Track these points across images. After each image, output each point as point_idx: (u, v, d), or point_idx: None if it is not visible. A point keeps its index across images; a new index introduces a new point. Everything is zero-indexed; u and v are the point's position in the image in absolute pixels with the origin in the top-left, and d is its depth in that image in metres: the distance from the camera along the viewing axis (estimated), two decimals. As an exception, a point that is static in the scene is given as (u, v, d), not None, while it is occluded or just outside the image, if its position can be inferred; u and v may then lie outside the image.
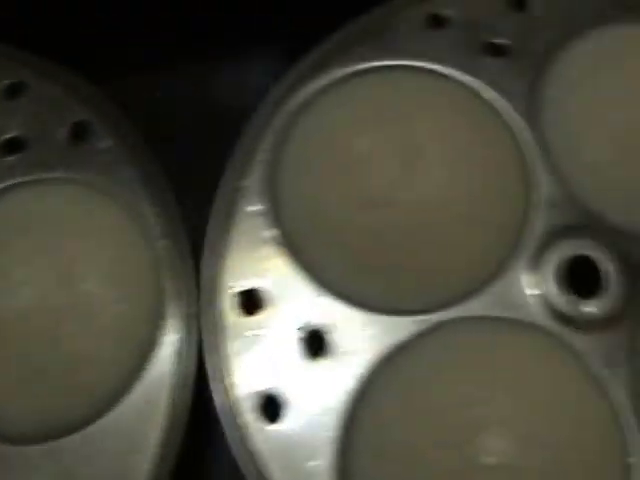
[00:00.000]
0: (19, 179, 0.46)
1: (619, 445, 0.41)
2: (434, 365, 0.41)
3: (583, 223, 0.44)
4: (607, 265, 0.43)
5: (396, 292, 0.43)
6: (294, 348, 0.42)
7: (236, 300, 0.43)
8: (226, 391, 0.42)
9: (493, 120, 0.46)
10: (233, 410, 0.41)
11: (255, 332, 0.42)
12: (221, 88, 0.50)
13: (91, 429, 0.41)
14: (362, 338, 0.42)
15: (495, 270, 0.43)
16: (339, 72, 0.46)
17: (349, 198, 0.43)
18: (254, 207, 0.44)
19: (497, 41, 0.47)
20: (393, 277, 0.43)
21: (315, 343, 0.42)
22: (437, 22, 0.48)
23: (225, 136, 0.45)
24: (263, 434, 0.41)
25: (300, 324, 0.42)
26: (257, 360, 0.42)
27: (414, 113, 0.44)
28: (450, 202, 0.43)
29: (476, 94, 0.46)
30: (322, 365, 0.42)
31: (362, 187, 0.43)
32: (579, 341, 0.42)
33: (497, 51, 0.47)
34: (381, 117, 0.44)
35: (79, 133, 0.46)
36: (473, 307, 0.42)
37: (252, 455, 0.40)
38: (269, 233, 0.43)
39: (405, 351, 0.42)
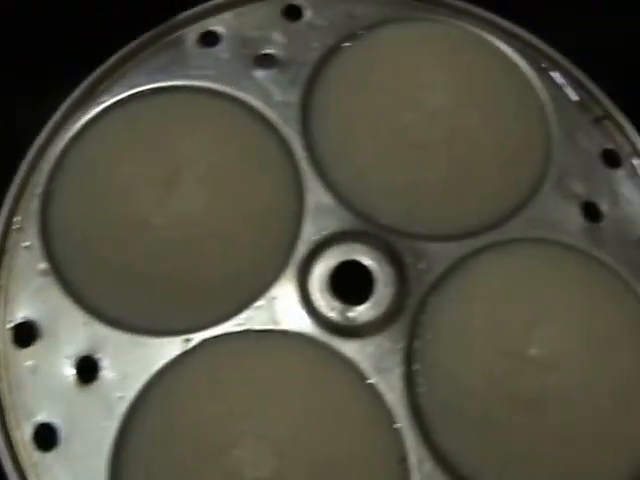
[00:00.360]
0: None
1: (394, 449, 0.41)
2: (198, 382, 0.41)
3: (354, 228, 0.44)
4: (377, 269, 0.43)
5: (163, 313, 0.43)
6: (67, 376, 0.42)
7: (12, 333, 0.43)
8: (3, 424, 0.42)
9: (264, 132, 0.46)
10: (11, 441, 0.42)
11: (30, 363, 0.43)
12: (17, 121, 0.51)
13: None
14: (133, 361, 0.42)
15: (268, 282, 0.43)
16: (108, 99, 0.46)
17: (113, 225, 0.43)
18: (27, 242, 0.44)
19: (268, 52, 0.48)
20: (159, 299, 0.43)
21: (87, 369, 0.42)
22: (210, 39, 0.48)
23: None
24: (42, 461, 0.41)
25: (72, 352, 0.42)
26: (32, 391, 0.42)
27: (181, 134, 0.44)
28: (212, 219, 0.43)
29: (248, 108, 0.46)
30: (95, 390, 0.42)
31: (124, 213, 0.43)
32: (350, 348, 0.42)
33: (269, 62, 0.47)
34: (147, 141, 0.44)
35: None
36: (240, 321, 0.43)
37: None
38: (42, 266, 0.44)
39: (172, 371, 0.42)
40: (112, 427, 0.41)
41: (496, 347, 0.41)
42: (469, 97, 0.45)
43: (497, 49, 0.48)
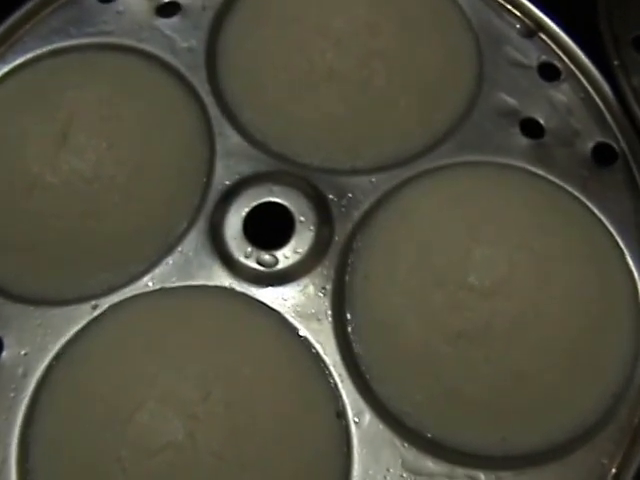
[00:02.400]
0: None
1: (329, 402, 0.37)
2: (104, 349, 0.37)
3: (269, 169, 0.41)
4: (296, 208, 0.40)
5: (67, 280, 0.39)
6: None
7: None
8: None
9: (170, 81, 0.42)
10: None
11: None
12: None
13: None
14: (40, 334, 0.38)
15: (178, 234, 0.40)
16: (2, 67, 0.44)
17: (3, 190, 0.40)
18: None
19: (167, 1, 0.44)
20: (61, 265, 0.39)
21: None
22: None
23: None
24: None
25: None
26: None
27: (76, 90, 0.41)
28: (110, 173, 0.39)
29: (152, 58, 0.43)
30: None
31: (14, 176, 0.39)
32: (272, 297, 0.38)
33: (171, 10, 0.44)
34: (41, 102, 0.41)
35: None
36: (152, 281, 0.39)
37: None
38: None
39: (78, 340, 0.38)
40: (20, 404, 0.37)
41: (431, 279, 0.37)
42: (383, 18, 0.42)
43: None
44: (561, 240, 0.38)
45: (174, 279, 0.39)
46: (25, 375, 0.38)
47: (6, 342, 0.38)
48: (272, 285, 0.39)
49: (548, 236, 0.38)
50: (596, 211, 0.40)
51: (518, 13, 0.44)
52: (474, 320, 0.37)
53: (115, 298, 0.39)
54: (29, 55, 0.44)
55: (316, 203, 0.40)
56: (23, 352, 0.38)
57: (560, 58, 0.43)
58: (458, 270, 0.37)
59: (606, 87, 0.42)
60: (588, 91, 0.43)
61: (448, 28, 0.43)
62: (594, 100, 0.42)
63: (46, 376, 0.38)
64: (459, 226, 0.38)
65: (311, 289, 0.39)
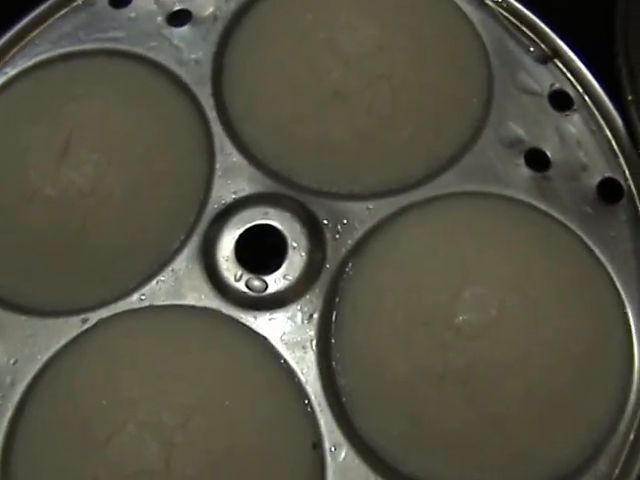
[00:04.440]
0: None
1: (307, 433, 0.37)
2: (90, 365, 0.37)
3: (266, 190, 0.40)
4: (290, 233, 0.39)
5: (59, 292, 0.39)
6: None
7: None
8: None
9: (175, 92, 0.42)
10: None
11: None
12: None
13: None
14: (29, 344, 0.39)
15: (171, 252, 0.39)
16: (12, 70, 0.43)
17: (3, 199, 0.40)
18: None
19: (181, 8, 0.44)
20: (55, 276, 0.40)
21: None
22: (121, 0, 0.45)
23: None
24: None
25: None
26: None
27: (80, 99, 0.41)
28: (107, 187, 0.39)
29: (159, 68, 0.43)
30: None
31: (15, 185, 0.40)
32: (260, 322, 0.38)
33: (181, 20, 0.44)
34: (45, 109, 0.41)
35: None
36: (142, 297, 0.39)
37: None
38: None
39: (66, 354, 0.38)
40: (5, 413, 0.38)
41: (418, 316, 0.37)
42: (393, 39, 0.41)
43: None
44: (556, 283, 0.37)
45: (164, 297, 0.39)
46: (13, 384, 0.38)
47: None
48: (260, 310, 0.39)
49: (543, 278, 0.37)
50: (597, 251, 0.39)
51: (533, 36, 0.43)
52: (458, 362, 0.36)
53: (105, 313, 0.39)
54: (39, 58, 0.44)
55: (310, 228, 0.39)
56: (12, 361, 0.39)
57: (574, 87, 0.42)
58: (446, 309, 0.37)
59: (618, 121, 0.41)
60: (599, 124, 0.41)
61: (459, 50, 0.42)
62: (605, 134, 0.41)
63: (32, 387, 0.38)
64: (451, 261, 0.38)
65: (298, 316, 0.38)
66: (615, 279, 0.39)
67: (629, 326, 0.38)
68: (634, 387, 0.37)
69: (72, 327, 0.39)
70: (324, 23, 0.41)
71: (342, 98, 0.40)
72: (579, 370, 0.36)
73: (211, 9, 0.44)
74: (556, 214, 0.40)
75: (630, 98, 0.40)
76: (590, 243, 0.39)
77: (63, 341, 0.39)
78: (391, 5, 0.42)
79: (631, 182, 0.40)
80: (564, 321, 0.37)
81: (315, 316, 0.38)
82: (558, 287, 0.37)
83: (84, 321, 0.39)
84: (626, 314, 0.38)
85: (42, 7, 0.44)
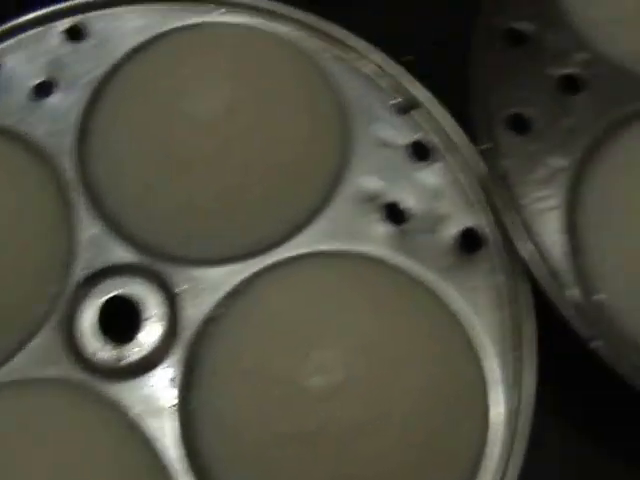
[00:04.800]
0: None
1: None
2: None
3: (124, 260, 0.40)
4: (145, 302, 0.40)
5: None
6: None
7: None
8: None
9: (35, 163, 0.42)
10: None
11: None
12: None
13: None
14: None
15: (29, 327, 0.40)
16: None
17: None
18: None
19: (44, 79, 0.44)
20: None
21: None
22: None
23: None
24: None
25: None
26: None
27: None
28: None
29: (21, 140, 0.43)
30: None
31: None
32: (118, 392, 0.38)
33: (48, 89, 0.44)
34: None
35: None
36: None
37: None
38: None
39: None
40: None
41: (271, 379, 0.37)
42: (245, 101, 0.41)
43: (286, 42, 0.44)
44: (410, 340, 0.38)
45: (26, 371, 0.39)
46: None
47: None
48: (121, 379, 0.39)
49: (395, 337, 0.38)
50: (456, 303, 0.39)
51: (392, 86, 0.43)
52: (309, 424, 0.36)
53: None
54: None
55: (166, 296, 0.40)
56: None
57: (433, 137, 0.42)
58: (297, 371, 0.37)
59: (477, 170, 0.41)
60: (458, 173, 0.41)
61: (314, 104, 0.42)
62: (463, 183, 0.41)
63: None
64: (303, 324, 0.38)
65: (159, 384, 0.39)
66: (474, 329, 0.39)
67: (484, 380, 0.38)
68: (490, 438, 0.37)
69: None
70: (179, 89, 0.42)
71: (199, 164, 0.40)
72: (430, 432, 0.36)
73: (78, 77, 0.44)
74: (414, 268, 0.40)
75: (486, 146, 0.41)
76: (449, 294, 0.39)
77: None
78: (242, 66, 0.42)
79: (490, 231, 0.40)
80: (415, 379, 0.37)
81: (176, 382, 0.38)
82: (410, 344, 0.38)
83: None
84: (482, 364, 0.38)
85: None
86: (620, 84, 0.42)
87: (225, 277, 0.40)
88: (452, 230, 0.40)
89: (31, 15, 0.45)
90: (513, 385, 0.38)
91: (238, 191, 0.40)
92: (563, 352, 0.39)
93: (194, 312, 0.39)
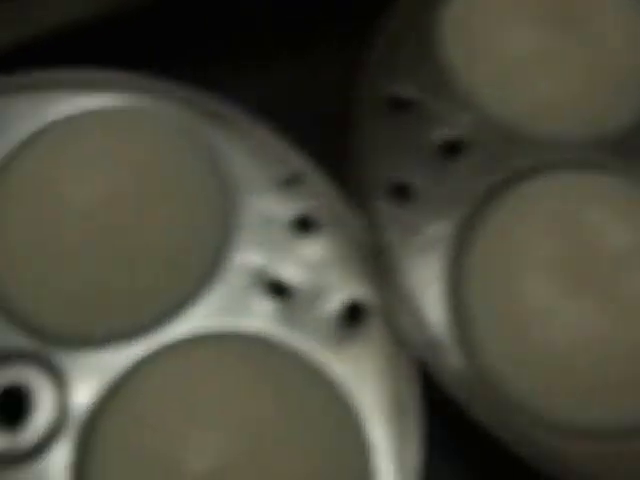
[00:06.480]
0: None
1: None
2: None
3: (16, 347, 0.41)
4: (34, 389, 0.40)
5: None
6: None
7: None
8: None
9: None
10: None
11: None
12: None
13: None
14: None
15: None
16: None
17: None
18: None
19: None
20: None
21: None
22: None
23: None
24: None
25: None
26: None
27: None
28: None
29: None
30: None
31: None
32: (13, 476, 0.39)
33: None
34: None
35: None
36: None
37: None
38: None
39: None
40: None
41: (152, 467, 0.38)
42: (123, 189, 0.42)
43: (167, 119, 0.44)
44: (292, 419, 0.38)
45: None
46: None
47: None
48: (15, 465, 0.39)
49: (278, 416, 0.38)
50: (340, 376, 0.40)
51: (276, 158, 0.43)
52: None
53: None
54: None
55: (55, 382, 0.40)
56: None
57: (316, 210, 0.42)
58: (178, 455, 0.37)
59: (359, 241, 0.42)
60: (342, 246, 0.42)
61: (193, 184, 0.43)
62: (347, 256, 0.42)
63: None
64: (182, 409, 0.38)
65: (52, 469, 0.39)
66: (359, 400, 0.39)
67: (369, 446, 0.39)
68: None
69: None
70: (62, 178, 0.42)
71: (82, 251, 0.41)
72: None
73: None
74: (297, 343, 0.40)
75: (368, 218, 0.41)
76: (333, 367, 0.40)
77: None
78: (123, 151, 0.43)
79: (374, 303, 0.41)
80: (299, 458, 0.37)
81: (68, 468, 0.39)
82: (294, 422, 0.38)
83: None
84: (367, 436, 0.39)
85: None
86: (501, 146, 0.43)
87: (111, 360, 0.40)
88: (336, 303, 0.41)
89: None
90: (398, 456, 0.39)
91: (123, 276, 0.41)
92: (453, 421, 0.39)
93: (83, 397, 0.40)
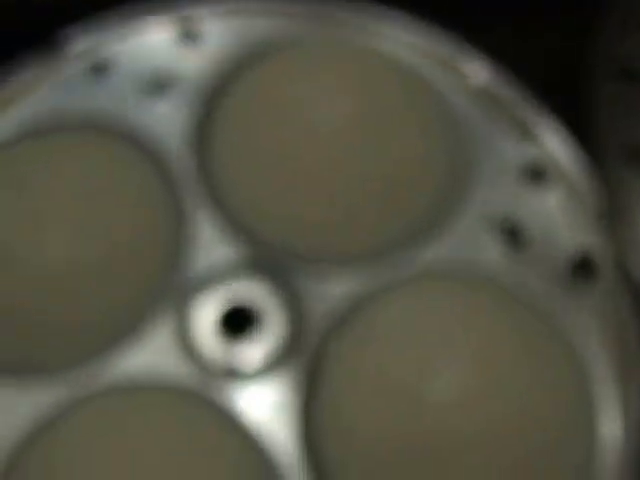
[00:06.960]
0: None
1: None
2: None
3: (245, 261, 0.40)
4: (266, 308, 0.40)
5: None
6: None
7: None
8: None
9: (147, 163, 0.42)
10: None
11: None
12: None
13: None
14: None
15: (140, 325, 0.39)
16: None
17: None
18: None
19: (163, 81, 0.44)
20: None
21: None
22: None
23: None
24: None
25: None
26: None
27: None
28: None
29: (135, 141, 0.43)
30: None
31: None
32: (233, 400, 0.38)
33: (162, 92, 0.44)
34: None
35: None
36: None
37: None
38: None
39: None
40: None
41: (392, 394, 0.37)
42: (364, 119, 0.42)
43: (400, 63, 0.44)
44: (522, 363, 0.38)
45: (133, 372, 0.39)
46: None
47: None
48: (235, 388, 0.39)
49: (510, 357, 0.38)
50: (568, 328, 0.39)
51: (506, 111, 0.43)
52: (432, 436, 0.37)
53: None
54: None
55: (289, 302, 0.40)
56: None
57: (550, 162, 0.42)
58: (416, 384, 0.37)
59: (594, 196, 0.41)
60: (575, 199, 0.42)
61: (430, 125, 0.43)
62: (580, 209, 0.41)
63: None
64: (423, 340, 0.38)
65: (280, 387, 0.39)
66: (584, 352, 0.39)
67: (593, 399, 0.38)
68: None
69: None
70: (299, 99, 0.42)
71: (317, 172, 0.41)
72: (537, 449, 0.37)
73: (193, 83, 0.44)
74: (528, 292, 0.40)
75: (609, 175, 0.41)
76: (561, 320, 0.39)
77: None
78: (362, 84, 0.43)
79: (605, 257, 0.41)
80: (526, 398, 0.37)
81: (295, 396, 0.39)
82: (523, 365, 0.38)
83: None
84: (592, 388, 0.39)
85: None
86: None
87: (345, 292, 0.40)
88: (568, 252, 0.41)
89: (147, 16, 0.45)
90: (624, 411, 0.39)
91: (357, 199, 0.41)
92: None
93: (316, 323, 0.39)
